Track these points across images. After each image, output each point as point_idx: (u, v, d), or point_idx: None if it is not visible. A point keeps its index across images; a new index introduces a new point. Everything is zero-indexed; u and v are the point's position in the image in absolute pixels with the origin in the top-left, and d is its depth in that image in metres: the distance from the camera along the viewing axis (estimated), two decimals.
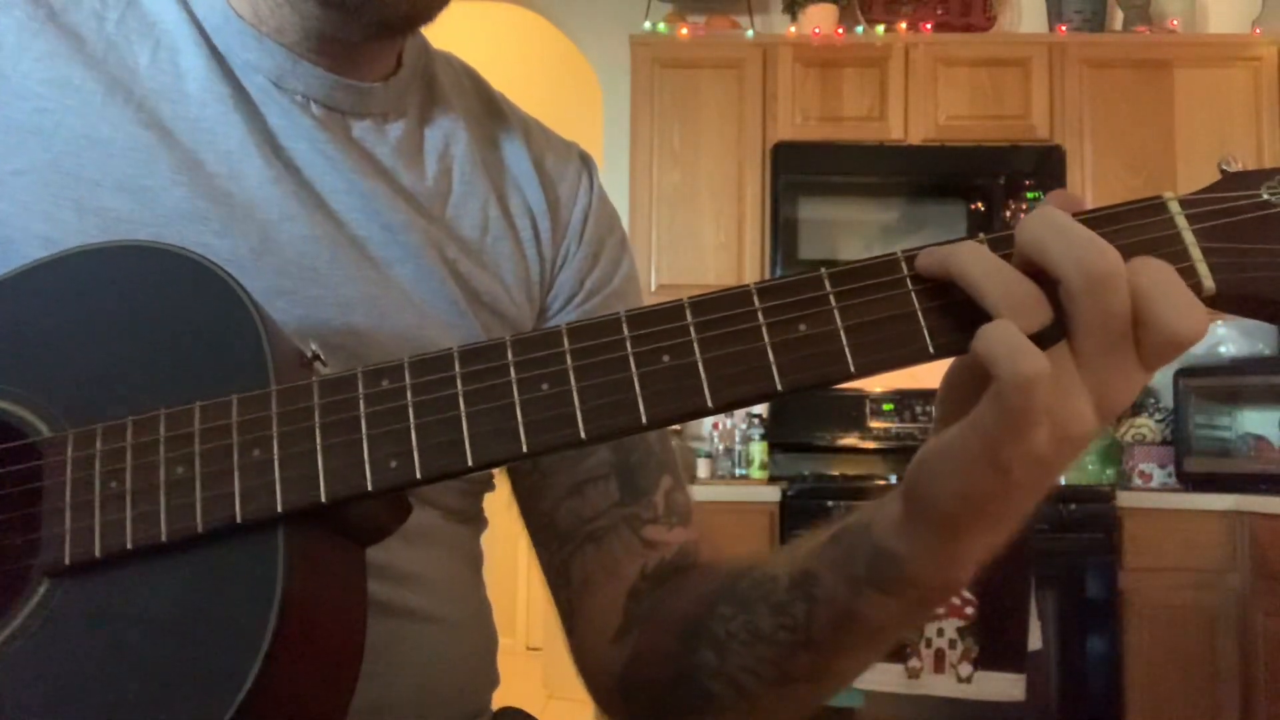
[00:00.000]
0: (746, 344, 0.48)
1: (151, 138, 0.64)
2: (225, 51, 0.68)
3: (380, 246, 0.69)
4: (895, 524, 0.53)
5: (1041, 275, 0.46)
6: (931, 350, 0.47)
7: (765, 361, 0.47)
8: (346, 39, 0.69)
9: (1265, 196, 0.48)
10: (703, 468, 3.45)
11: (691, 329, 0.48)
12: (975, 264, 0.46)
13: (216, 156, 0.66)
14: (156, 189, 0.63)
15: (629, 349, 0.48)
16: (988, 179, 3.35)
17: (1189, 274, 0.47)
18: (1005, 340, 0.44)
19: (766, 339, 0.48)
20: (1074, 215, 0.47)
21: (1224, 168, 0.50)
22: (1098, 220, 0.48)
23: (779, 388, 0.47)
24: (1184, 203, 0.48)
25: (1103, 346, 0.45)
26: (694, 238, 3.46)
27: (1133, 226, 0.47)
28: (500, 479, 0.80)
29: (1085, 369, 0.45)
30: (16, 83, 0.63)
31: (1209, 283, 0.47)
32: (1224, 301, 0.47)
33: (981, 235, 0.48)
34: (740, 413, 3.49)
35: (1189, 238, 0.47)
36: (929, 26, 3.55)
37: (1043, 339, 0.45)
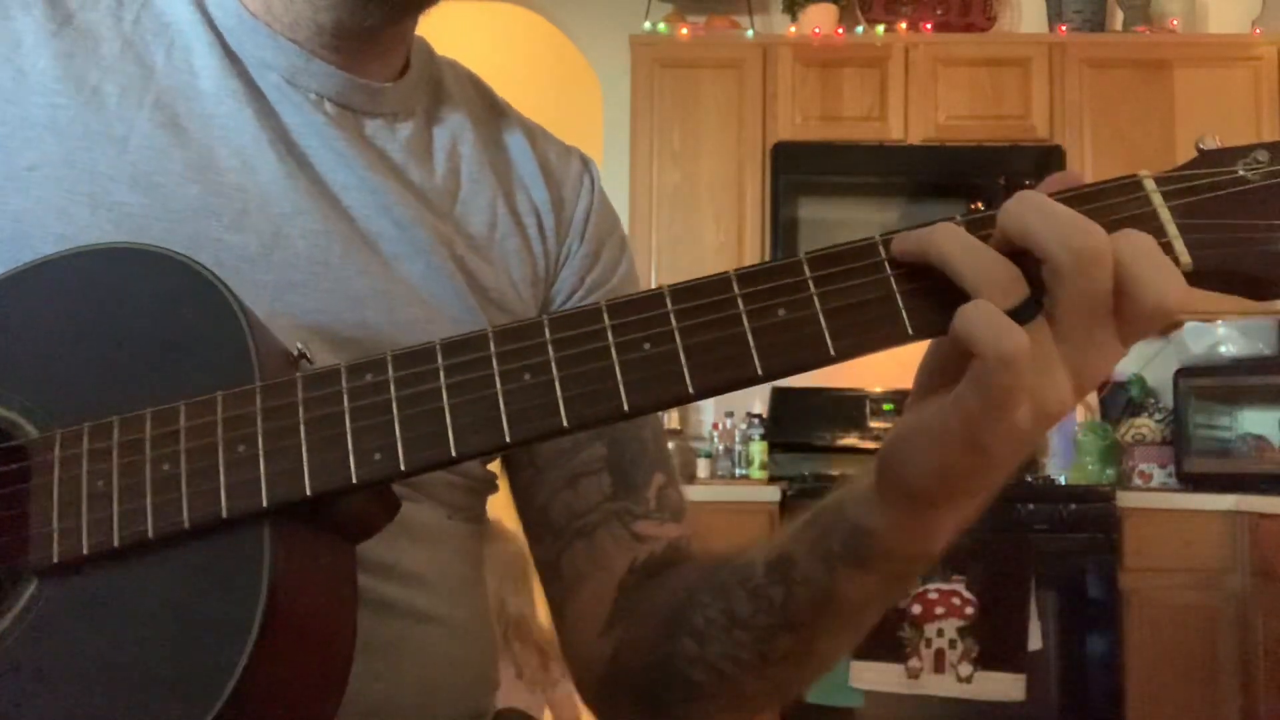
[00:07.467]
0: (726, 330, 0.48)
1: (165, 135, 0.65)
2: (238, 50, 0.69)
3: (390, 242, 0.70)
4: (869, 500, 0.54)
5: (1018, 255, 0.46)
6: (910, 331, 0.47)
7: (745, 347, 0.48)
8: (361, 26, 0.69)
9: (1241, 172, 0.48)
10: (703, 468, 3.44)
11: (672, 316, 0.48)
12: (952, 245, 0.47)
13: (229, 153, 0.66)
14: (170, 185, 0.64)
15: (610, 338, 0.48)
16: (988, 179, 3.34)
17: (1166, 250, 0.47)
18: (986, 319, 0.44)
19: (746, 325, 0.48)
20: (1050, 195, 0.48)
21: (1201, 146, 0.51)
22: (1074, 200, 0.48)
23: (759, 372, 0.47)
24: (1160, 180, 0.49)
25: (1085, 322, 0.46)
26: (694, 238, 3.46)
27: (1109, 205, 0.48)
28: (502, 478, 0.80)
29: (1065, 345, 0.46)
30: (34, 79, 0.64)
31: (1186, 259, 0.47)
32: (1201, 278, 0.48)
33: (957, 217, 0.48)
34: (740, 412, 3.49)
35: (1165, 215, 0.48)
36: (929, 26, 3.55)
37: (1018, 317, 0.45)
